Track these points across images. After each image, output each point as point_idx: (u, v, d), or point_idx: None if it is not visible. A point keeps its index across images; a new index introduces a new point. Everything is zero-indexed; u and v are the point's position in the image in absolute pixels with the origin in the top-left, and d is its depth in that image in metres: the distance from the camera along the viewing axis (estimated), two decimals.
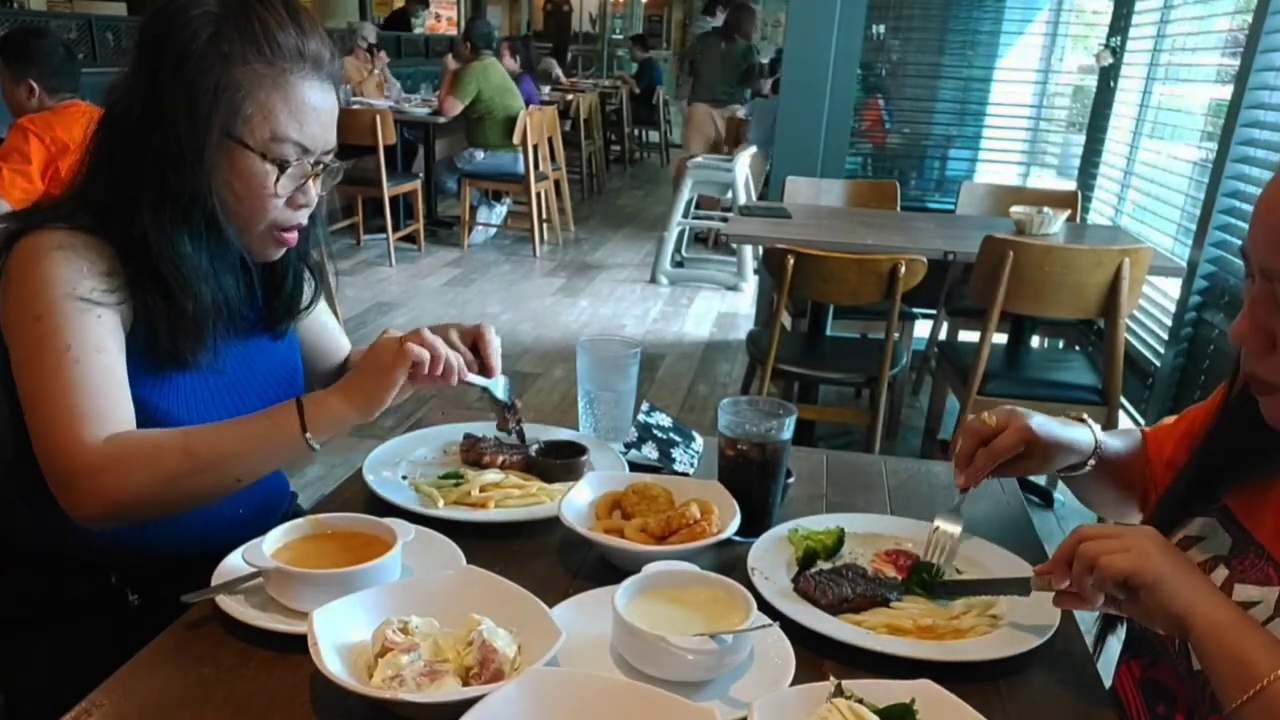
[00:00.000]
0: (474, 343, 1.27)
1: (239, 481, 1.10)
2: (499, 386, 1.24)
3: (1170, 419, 1.24)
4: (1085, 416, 1.19)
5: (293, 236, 1.20)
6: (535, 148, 6.27)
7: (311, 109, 1.12)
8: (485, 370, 1.23)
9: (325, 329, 1.45)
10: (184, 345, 1.14)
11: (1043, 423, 1.11)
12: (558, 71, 11.03)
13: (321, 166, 1.17)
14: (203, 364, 1.17)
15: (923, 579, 1.08)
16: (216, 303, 1.15)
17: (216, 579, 0.99)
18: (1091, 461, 1.15)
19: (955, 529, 1.13)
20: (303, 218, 1.19)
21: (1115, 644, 1.10)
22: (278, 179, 1.12)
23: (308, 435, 1.07)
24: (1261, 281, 0.83)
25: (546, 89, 9.39)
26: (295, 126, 1.11)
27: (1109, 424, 2.72)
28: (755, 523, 1.16)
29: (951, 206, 4.23)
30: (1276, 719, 0.78)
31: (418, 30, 12.86)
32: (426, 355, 1.09)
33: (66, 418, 1.05)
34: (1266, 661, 0.79)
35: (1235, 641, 0.82)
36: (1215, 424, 1.02)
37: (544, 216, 6.77)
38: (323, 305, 1.42)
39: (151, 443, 1.07)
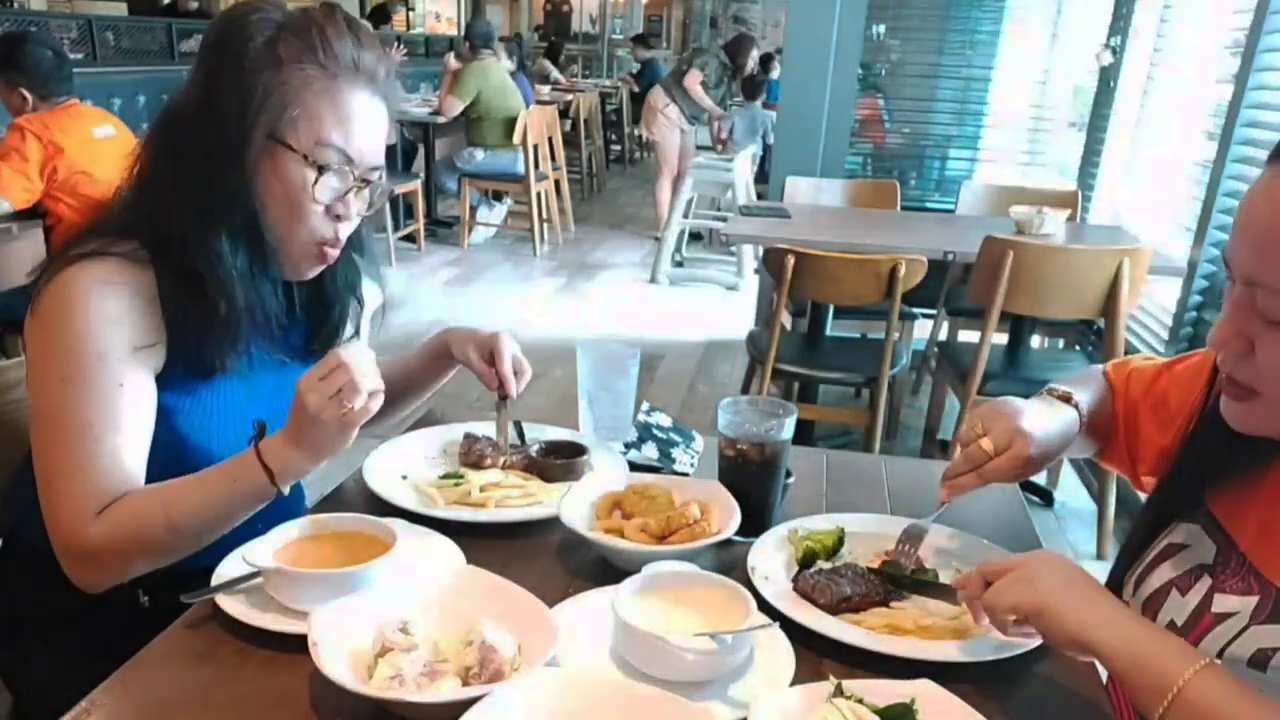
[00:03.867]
0: (490, 356, 1.31)
1: (221, 533, 1.10)
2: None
3: (1137, 361, 1.21)
4: (1072, 394, 1.14)
5: (332, 253, 1.19)
6: (535, 147, 6.27)
7: (359, 119, 1.13)
8: (502, 384, 1.30)
9: None
10: (214, 351, 1.13)
11: (1041, 441, 1.06)
12: (555, 72, 11.03)
13: (365, 183, 1.16)
14: (233, 376, 1.16)
15: (886, 575, 1.08)
16: (250, 306, 1.14)
17: (217, 579, 0.99)
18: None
19: (924, 532, 1.14)
20: (342, 232, 1.18)
21: None
22: (316, 182, 1.11)
23: (278, 487, 1.06)
24: (1242, 288, 0.83)
25: (546, 89, 9.39)
26: (340, 134, 1.11)
27: None
28: (755, 523, 1.16)
29: (951, 206, 4.23)
30: (1199, 718, 0.79)
31: (418, 31, 12.86)
32: (334, 388, 1.00)
33: (75, 499, 1.06)
34: (1175, 666, 0.79)
35: (1136, 655, 0.82)
36: (1198, 425, 1.01)
37: (544, 216, 6.77)
38: None
39: (136, 525, 1.06)
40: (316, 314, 1.28)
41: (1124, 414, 1.19)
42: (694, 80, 6.88)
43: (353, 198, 1.16)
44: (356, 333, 1.36)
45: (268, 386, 1.23)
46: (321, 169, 1.11)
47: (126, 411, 1.09)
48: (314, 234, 1.16)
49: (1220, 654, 0.88)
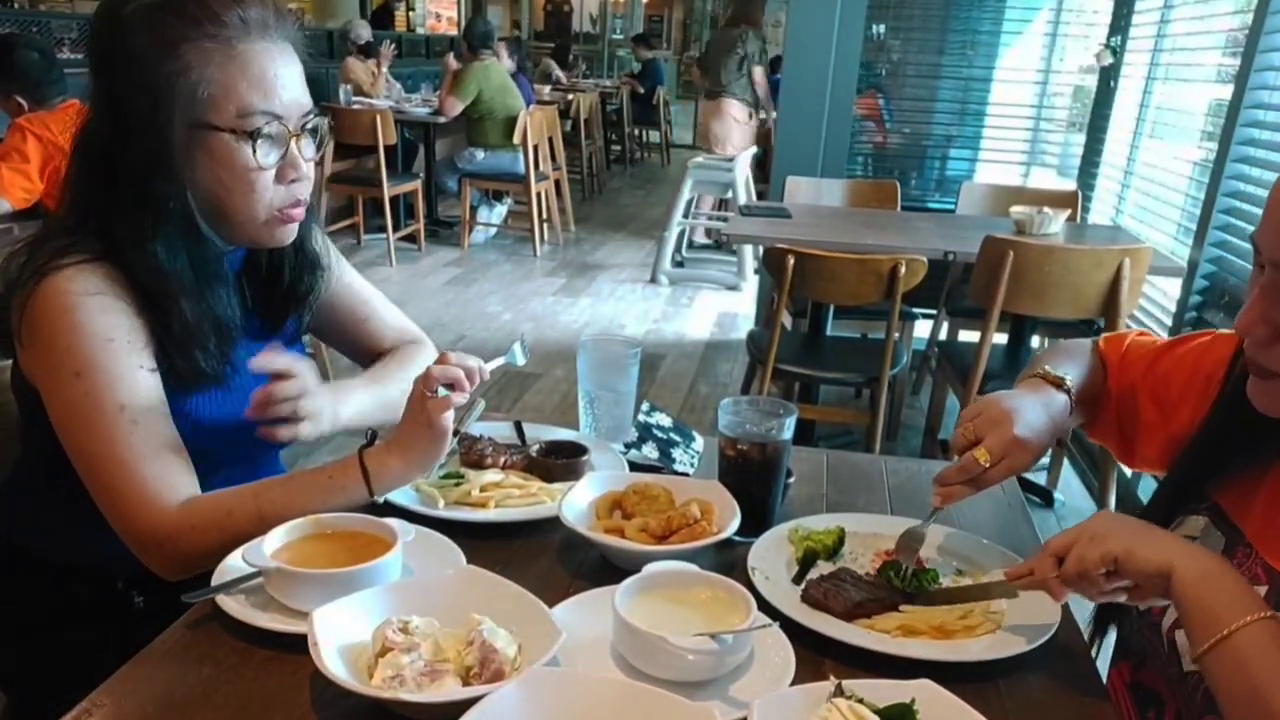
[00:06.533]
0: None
1: None
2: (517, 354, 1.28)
3: (1134, 337, 1.20)
4: (1065, 379, 1.13)
5: (299, 212, 1.16)
6: (535, 147, 6.28)
7: (271, 75, 1.08)
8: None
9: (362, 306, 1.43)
10: (178, 363, 1.11)
11: (1036, 445, 1.07)
12: (558, 72, 11.04)
13: (302, 128, 1.12)
14: (208, 381, 1.14)
15: (889, 578, 1.07)
16: (206, 315, 1.11)
17: (217, 579, 0.99)
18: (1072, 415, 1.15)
19: (923, 537, 1.12)
20: (301, 191, 1.15)
21: (1108, 647, 1.10)
22: (255, 151, 1.07)
23: (374, 497, 1.10)
24: (1271, 272, 0.82)
25: (547, 89, 9.39)
26: (259, 96, 1.06)
27: None
28: (755, 523, 1.16)
29: (951, 206, 4.23)
30: (1236, 667, 0.79)
31: (418, 31, 12.86)
32: (459, 373, 1.09)
33: (135, 487, 1.04)
34: (1230, 612, 0.80)
35: (1203, 592, 0.83)
36: (1209, 420, 1.02)
37: (544, 216, 6.77)
38: (361, 293, 1.40)
39: (224, 508, 1.07)
40: (270, 279, 1.25)
41: (1118, 393, 1.17)
42: (761, 76, 6.50)
43: (297, 151, 1.12)
44: (313, 290, 1.30)
45: (245, 372, 1.22)
46: (254, 135, 1.07)
47: (154, 391, 1.08)
48: (273, 204, 1.13)
49: None
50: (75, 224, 1.10)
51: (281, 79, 1.09)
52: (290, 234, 1.18)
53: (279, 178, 1.12)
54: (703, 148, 6.73)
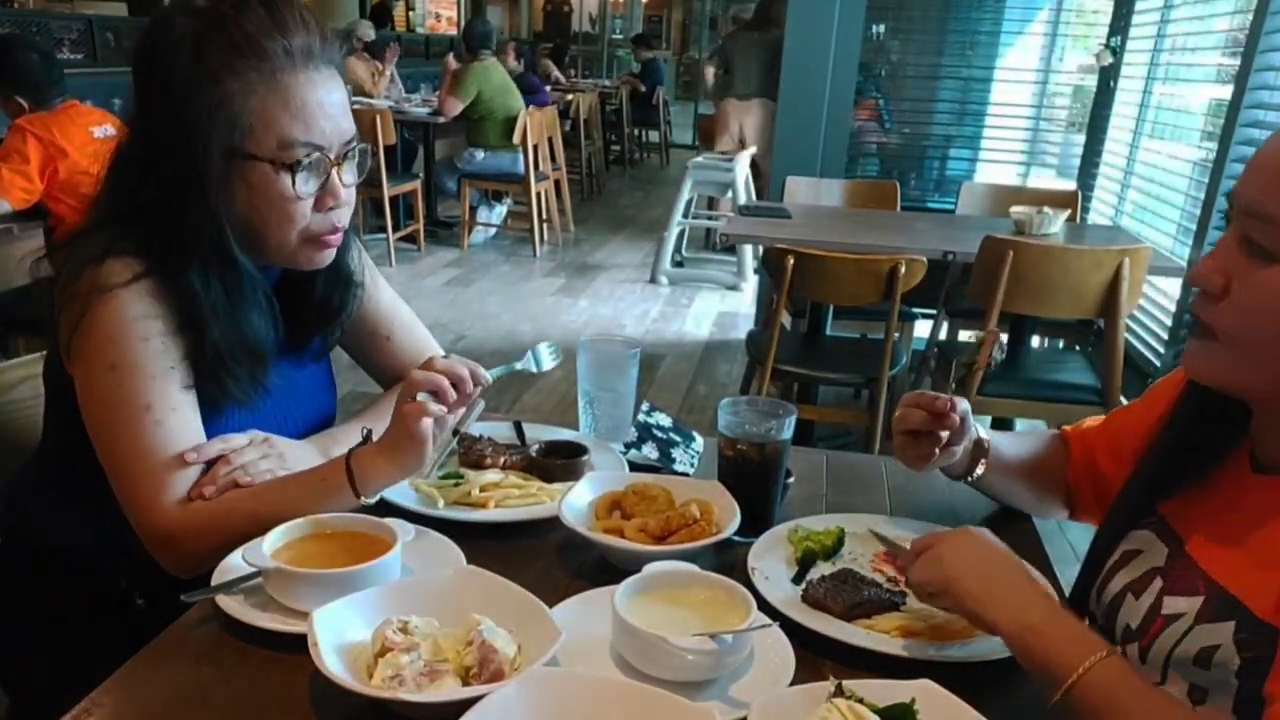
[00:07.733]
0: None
1: None
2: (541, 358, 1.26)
3: (1093, 420, 1.25)
4: (988, 438, 1.21)
5: (336, 238, 1.15)
6: (535, 148, 6.27)
7: (314, 105, 1.07)
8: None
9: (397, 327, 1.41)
10: (208, 385, 1.11)
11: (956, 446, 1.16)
12: (555, 73, 11.04)
13: (343, 156, 1.11)
14: (238, 404, 1.14)
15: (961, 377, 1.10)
16: (238, 340, 1.11)
17: (217, 579, 0.99)
18: (982, 462, 1.20)
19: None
20: (340, 219, 1.14)
21: None
22: (294, 182, 1.07)
23: (362, 498, 1.09)
24: (1239, 221, 0.85)
25: (545, 89, 9.40)
26: (301, 127, 1.06)
27: None
28: (755, 523, 1.16)
29: (951, 206, 4.23)
30: (1093, 713, 0.80)
31: (418, 31, 12.85)
32: (440, 380, 1.06)
33: (150, 483, 1.06)
34: (1065, 661, 0.82)
35: (1031, 646, 0.85)
36: (1156, 435, 1.03)
37: (544, 217, 6.77)
38: (387, 312, 1.39)
39: (223, 508, 1.08)
40: (302, 294, 1.23)
41: (1083, 461, 1.21)
42: None
43: (337, 179, 1.11)
44: (345, 308, 1.28)
45: (277, 389, 1.22)
46: (294, 167, 1.06)
47: (183, 396, 1.09)
48: (310, 231, 1.12)
49: (1170, 653, 0.89)
50: (107, 242, 1.09)
51: (325, 108, 1.08)
52: (327, 258, 1.17)
53: (318, 206, 1.11)
54: (722, 149, 6.65)
